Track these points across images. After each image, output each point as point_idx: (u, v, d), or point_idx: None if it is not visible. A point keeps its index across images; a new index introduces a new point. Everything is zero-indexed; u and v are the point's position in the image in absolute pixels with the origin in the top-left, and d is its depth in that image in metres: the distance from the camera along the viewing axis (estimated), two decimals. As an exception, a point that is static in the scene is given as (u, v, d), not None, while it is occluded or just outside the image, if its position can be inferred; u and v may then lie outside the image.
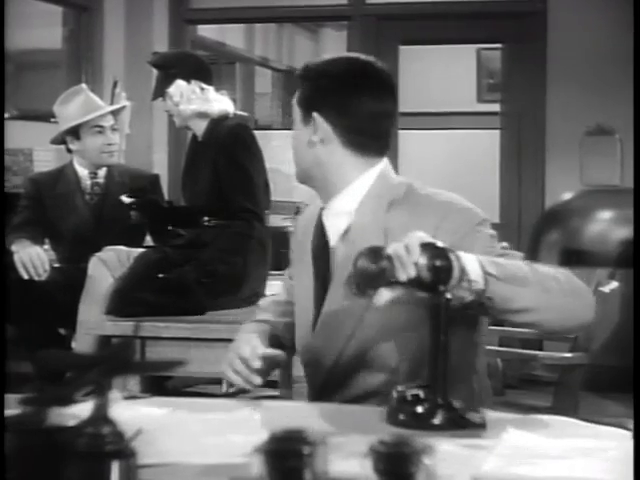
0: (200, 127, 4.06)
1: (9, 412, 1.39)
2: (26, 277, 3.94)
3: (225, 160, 3.90)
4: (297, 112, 2.17)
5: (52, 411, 1.36)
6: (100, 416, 1.30)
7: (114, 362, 1.37)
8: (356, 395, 2.12)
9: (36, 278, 3.94)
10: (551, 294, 1.90)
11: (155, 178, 4.57)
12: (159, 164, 6.48)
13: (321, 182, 2.17)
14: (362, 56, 2.20)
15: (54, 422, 1.35)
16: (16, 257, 3.97)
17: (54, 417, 1.36)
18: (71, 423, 1.34)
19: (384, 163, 2.17)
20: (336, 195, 2.14)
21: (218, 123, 4.02)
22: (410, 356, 2.06)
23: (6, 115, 5.79)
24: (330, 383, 2.15)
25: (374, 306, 1.93)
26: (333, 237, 2.15)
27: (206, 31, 7.70)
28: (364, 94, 2.12)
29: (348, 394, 2.12)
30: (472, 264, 1.83)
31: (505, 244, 2.09)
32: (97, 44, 6.32)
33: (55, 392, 1.36)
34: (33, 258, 3.94)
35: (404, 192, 2.12)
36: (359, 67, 2.16)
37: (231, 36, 8.72)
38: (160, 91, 4.11)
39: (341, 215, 2.14)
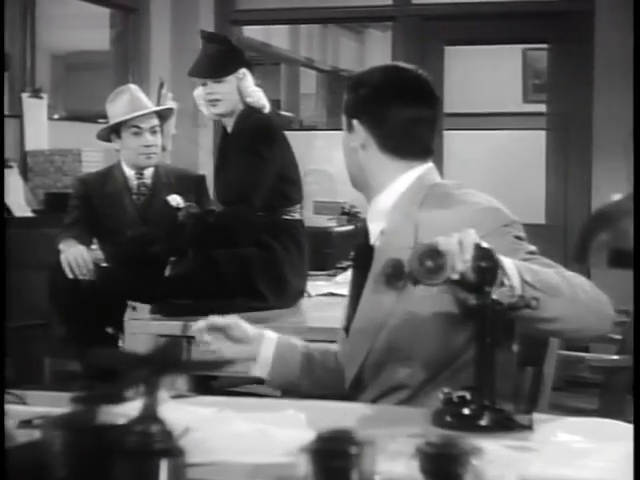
0: (230, 120, 3.98)
1: (61, 410, 1.40)
2: (71, 276, 3.96)
3: (245, 151, 3.84)
4: (343, 119, 2.28)
5: (102, 409, 1.37)
6: (149, 415, 1.31)
7: (163, 361, 1.39)
8: (387, 388, 2.17)
9: (80, 277, 3.96)
10: (578, 304, 1.94)
11: (201, 178, 4.58)
12: (204, 164, 6.52)
13: (364, 185, 2.27)
14: (402, 64, 2.31)
15: (104, 420, 1.37)
16: (62, 257, 4.00)
17: (104, 415, 1.37)
18: (120, 421, 1.35)
19: (426, 167, 2.24)
20: (376, 196, 2.23)
21: (248, 116, 3.96)
22: (435, 348, 2.11)
23: (55, 116, 5.86)
24: (363, 376, 2.21)
25: (402, 297, 2.07)
26: (373, 236, 2.23)
27: (251, 32, 7.73)
28: (399, 102, 2.21)
29: (379, 387, 2.18)
30: (511, 269, 1.85)
31: (533, 248, 2.09)
32: (144, 45, 6.37)
33: (105, 391, 1.38)
34: (77, 257, 3.96)
35: (437, 192, 2.19)
36: (396, 75, 2.26)
37: (276, 37, 8.75)
38: (227, 71, 3.94)
39: (379, 215, 2.22)
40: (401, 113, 2.20)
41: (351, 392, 2.22)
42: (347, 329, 2.28)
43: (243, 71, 3.95)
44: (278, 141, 3.92)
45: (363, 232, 2.27)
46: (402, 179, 2.21)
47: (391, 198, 2.20)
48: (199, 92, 3.99)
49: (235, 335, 2.24)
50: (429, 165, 2.25)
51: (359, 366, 2.20)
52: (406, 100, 2.21)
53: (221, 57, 3.97)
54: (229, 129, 3.98)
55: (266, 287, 3.79)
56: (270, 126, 3.95)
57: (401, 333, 2.13)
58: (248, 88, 3.95)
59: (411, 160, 2.22)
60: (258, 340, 2.28)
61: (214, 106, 3.94)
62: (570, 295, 1.93)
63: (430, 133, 2.25)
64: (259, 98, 3.97)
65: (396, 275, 2.13)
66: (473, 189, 2.24)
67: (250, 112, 3.94)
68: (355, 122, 2.22)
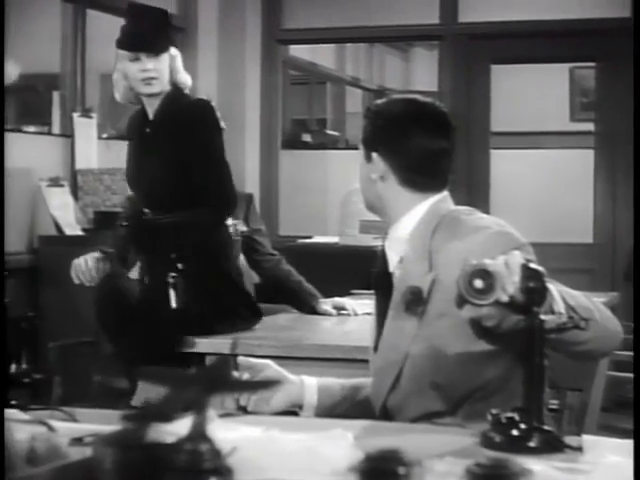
0: (153, 102, 3.65)
1: (111, 428, 1.41)
2: (77, 282, 3.79)
3: (195, 141, 3.57)
4: (361, 148, 2.31)
5: (152, 428, 1.38)
6: (198, 433, 1.32)
7: (211, 380, 1.39)
8: (418, 415, 2.17)
9: (87, 284, 3.79)
10: (603, 325, 1.97)
11: (249, 197, 4.60)
12: (251, 182, 6.56)
13: (381, 212, 2.31)
14: (420, 97, 2.31)
15: (154, 438, 1.38)
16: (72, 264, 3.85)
17: (154, 433, 1.38)
18: (170, 440, 1.36)
19: (441, 195, 2.27)
20: (393, 225, 2.26)
21: (178, 98, 3.65)
22: (461, 376, 2.13)
23: (104, 135, 5.92)
24: (391, 404, 2.22)
25: (424, 324, 2.12)
26: (392, 263, 2.25)
27: (298, 51, 7.77)
28: (420, 135, 2.23)
29: (408, 415, 2.18)
30: (556, 293, 1.86)
31: (543, 270, 2.09)
32: (191, 64, 6.40)
33: (155, 409, 1.39)
34: (81, 264, 3.70)
35: (449, 219, 2.21)
36: (415, 108, 2.28)
37: (322, 56, 8.78)
38: (164, 47, 3.61)
39: (397, 243, 2.24)
40: (421, 147, 2.23)
41: (382, 418, 2.22)
42: (375, 350, 2.29)
43: (174, 49, 3.69)
44: (219, 127, 3.68)
45: (381, 259, 2.28)
46: (418, 208, 2.23)
47: (408, 227, 2.23)
48: (128, 70, 3.62)
49: (269, 375, 2.26)
50: (444, 193, 2.28)
51: (385, 394, 2.21)
52: (426, 133, 2.24)
53: (158, 31, 3.65)
54: (151, 115, 3.66)
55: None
56: (214, 109, 3.66)
57: (425, 361, 2.15)
58: (180, 67, 3.68)
59: (428, 192, 2.25)
60: (299, 387, 2.31)
61: (149, 85, 3.59)
62: (598, 317, 1.96)
63: (448, 165, 2.28)
64: (187, 79, 3.71)
65: (415, 301, 2.15)
66: (487, 215, 2.27)
67: (179, 94, 3.67)
68: (374, 154, 2.25)
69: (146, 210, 3.65)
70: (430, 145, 2.24)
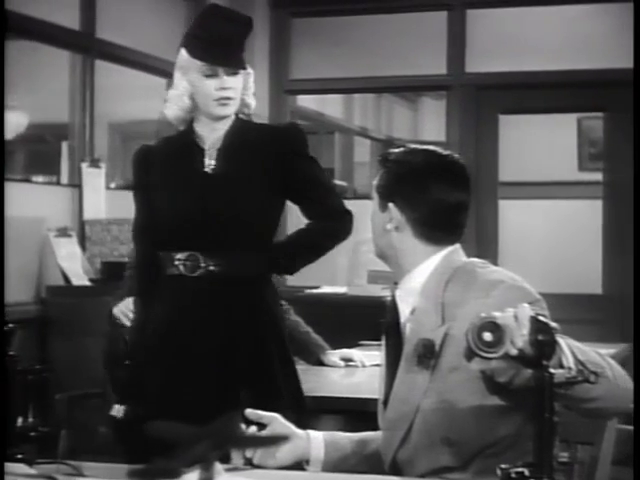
0: (216, 127, 3.12)
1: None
2: (128, 324, 3.73)
3: (303, 167, 3.26)
4: (375, 197, 2.28)
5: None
6: (206, 489, 1.31)
7: (220, 435, 1.38)
8: (427, 470, 2.15)
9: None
10: (615, 384, 1.95)
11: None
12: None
13: (392, 262, 2.28)
14: (439, 149, 2.29)
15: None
16: (114, 310, 3.82)
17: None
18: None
19: (453, 247, 2.25)
20: (405, 275, 2.24)
21: (247, 123, 3.17)
22: (473, 431, 2.11)
23: (112, 185, 5.94)
24: (401, 458, 2.20)
25: (436, 378, 2.10)
26: (403, 315, 2.23)
27: (305, 101, 7.81)
28: (439, 188, 2.22)
29: (418, 469, 2.16)
30: (565, 346, 1.85)
31: (556, 326, 2.08)
32: (201, 115, 6.44)
33: (163, 465, 1.37)
34: (123, 308, 3.72)
35: (462, 271, 2.20)
36: (436, 161, 2.26)
37: (330, 106, 8.83)
38: (244, 63, 3.13)
39: (409, 294, 2.22)
40: (440, 200, 2.21)
41: (391, 473, 2.21)
42: (385, 402, 2.27)
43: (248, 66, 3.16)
44: None
45: (392, 310, 2.26)
46: (431, 260, 2.22)
47: (420, 279, 2.21)
48: (202, 86, 3.06)
49: (276, 429, 2.24)
50: (456, 245, 2.27)
51: (396, 448, 2.20)
52: (446, 187, 2.22)
53: (241, 42, 3.10)
54: (211, 142, 3.12)
55: None
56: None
57: (437, 415, 2.13)
58: (252, 87, 3.19)
59: (442, 245, 2.24)
60: (306, 441, 2.29)
61: (225, 105, 3.06)
62: (610, 375, 1.94)
63: (465, 218, 2.27)
64: (254, 102, 3.20)
65: (427, 354, 2.14)
66: (501, 267, 2.26)
67: (248, 120, 3.18)
68: (391, 205, 2.22)
69: (199, 256, 3.05)
70: (450, 199, 2.22)
